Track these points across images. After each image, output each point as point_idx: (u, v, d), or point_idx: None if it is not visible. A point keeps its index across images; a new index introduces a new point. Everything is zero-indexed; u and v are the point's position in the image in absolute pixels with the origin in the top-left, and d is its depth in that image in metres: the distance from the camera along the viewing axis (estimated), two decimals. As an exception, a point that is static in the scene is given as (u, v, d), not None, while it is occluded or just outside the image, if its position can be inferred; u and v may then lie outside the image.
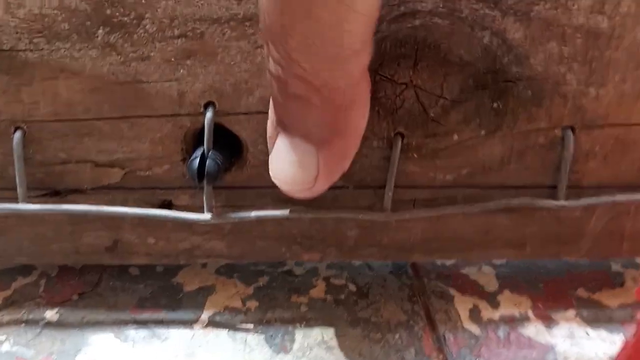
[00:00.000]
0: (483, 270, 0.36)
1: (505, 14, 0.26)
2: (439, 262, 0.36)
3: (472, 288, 0.34)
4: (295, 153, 0.22)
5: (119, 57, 0.27)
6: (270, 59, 0.21)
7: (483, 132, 0.29)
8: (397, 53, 0.27)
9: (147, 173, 0.30)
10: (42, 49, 0.26)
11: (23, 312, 0.32)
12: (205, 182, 0.28)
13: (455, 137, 0.29)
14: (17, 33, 0.26)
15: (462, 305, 0.33)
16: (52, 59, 0.27)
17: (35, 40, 0.26)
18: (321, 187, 0.23)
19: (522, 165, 0.30)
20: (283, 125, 0.22)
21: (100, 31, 0.26)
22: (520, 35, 0.27)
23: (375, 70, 0.27)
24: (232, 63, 0.27)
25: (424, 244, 0.32)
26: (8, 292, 0.33)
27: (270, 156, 0.24)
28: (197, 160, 0.27)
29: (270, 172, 0.24)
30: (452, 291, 0.34)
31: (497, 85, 0.28)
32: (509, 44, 0.27)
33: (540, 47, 0.27)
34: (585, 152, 0.30)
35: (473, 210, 0.30)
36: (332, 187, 0.30)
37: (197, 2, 0.26)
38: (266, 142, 0.28)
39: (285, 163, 0.23)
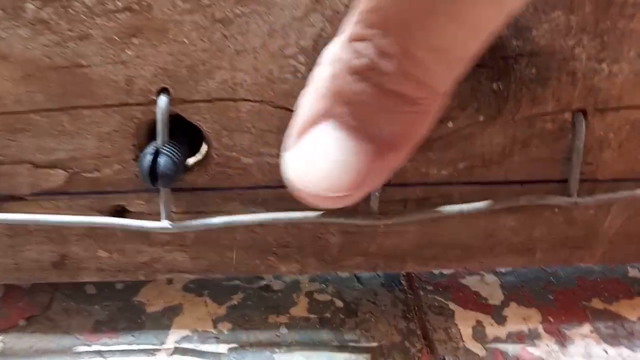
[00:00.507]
0: (486, 279, 0.32)
1: (504, -22, 0.23)
2: (436, 271, 0.31)
3: (474, 301, 0.30)
4: (342, 152, 0.18)
5: (54, 36, 0.23)
6: (368, 45, 0.17)
7: (481, 118, 0.25)
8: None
9: (95, 175, 0.26)
10: (-39, 30, 0.23)
11: (-42, 340, 0.28)
12: (159, 184, 0.24)
13: (450, 124, 0.25)
14: None
15: (464, 321, 0.29)
16: (-25, 42, 0.23)
17: (-47, 20, 0.22)
18: (356, 197, 0.19)
19: (527, 157, 0.26)
20: (341, 118, 0.18)
21: (29, 5, 0.22)
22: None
23: (355, 47, 0.23)
24: (186, 41, 0.23)
25: (417, 251, 0.28)
26: (-59, 317, 0.29)
27: (292, 151, 0.19)
28: (149, 157, 0.23)
29: (290, 171, 0.19)
30: (452, 305, 0.30)
31: (495, 63, 0.24)
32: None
33: (544, 17, 0.23)
34: (598, 140, 0.26)
35: (473, 210, 0.26)
36: (310, 187, 0.26)
37: (143, -31, 0.22)
38: (231, 135, 0.25)
39: (324, 162, 0.18)
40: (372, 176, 0.19)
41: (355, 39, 0.17)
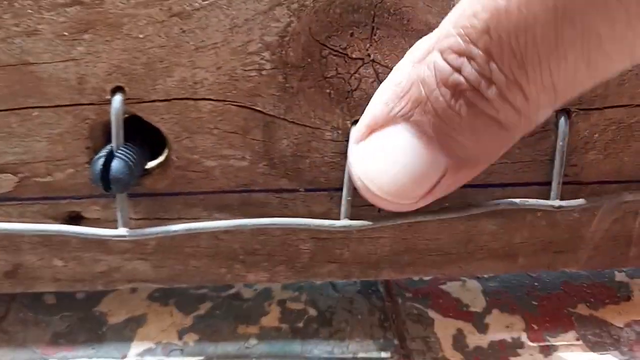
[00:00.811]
0: (467, 285, 0.30)
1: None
2: (416, 278, 0.30)
3: (454, 308, 0.29)
4: (415, 161, 0.18)
5: (-1, 32, 0.21)
6: (471, 65, 0.15)
7: (459, 118, 0.23)
8: (349, 20, 0.22)
9: (47, 179, 0.24)
10: None
11: None
12: (113, 189, 0.22)
13: (426, 124, 0.23)
14: None
15: (444, 330, 0.28)
16: None
17: None
18: (417, 206, 0.19)
19: (508, 159, 0.24)
20: (420, 125, 0.17)
21: (-31, -2, 0.20)
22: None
23: (323, 43, 0.22)
24: (142, 36, 0.21)
25: (393, 257, 0.26)
26: None
27: (361, 145, 0.18)
28: (102, 160, 0.22)
29: (356, 165, 0.19)
30: (432, 313, 0.29)
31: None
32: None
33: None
34: (583, 141, 0.25)
35: (451, 215, 0.25)
36: (278, 190, 0.25)
37: (92, -42, 0.20)
38: (192, 137, 0.23)
39: (393, 167, 0.18)
40: (440, 190, 0.18)
41: (457, 52, 0.16)
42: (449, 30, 0.16)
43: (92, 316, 0.28)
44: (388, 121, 0.18)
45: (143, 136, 0.24)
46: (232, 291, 0.30)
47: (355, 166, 0.19)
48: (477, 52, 0.15)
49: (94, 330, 0.28)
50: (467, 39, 0.15)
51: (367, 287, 0.30)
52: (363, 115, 0.19)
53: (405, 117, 0.17)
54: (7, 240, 0.25)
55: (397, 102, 0.17)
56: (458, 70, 0.16)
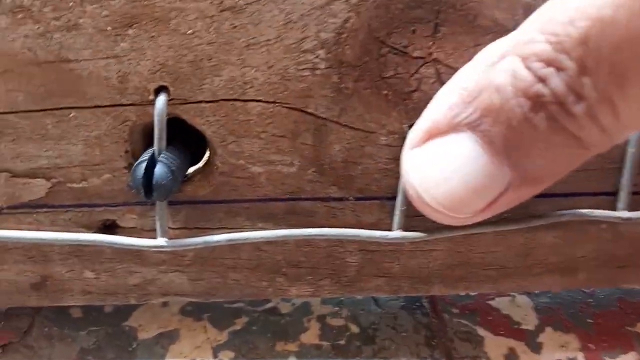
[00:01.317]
0: (517, 301, 0.29)
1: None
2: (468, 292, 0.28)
3: (505, 326, 0.27)
4: (478, 173, 0.16)
5: (37, 26, 0.20)
6: (559, 76, 0.14)
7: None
8: (411, 16, 0.20)
9: (82, 185, 0.22)
10: None
11: None
12: (155, 196, 0.20)
13: (488, 130, 0.22)
14: None
15: (495, 349, 0.26)
16: (-54, 31, 0.20)
17: None
18: (474, 220, 0.17)
19: (572, 167, 0.23)
20: (487, 135, 0.16)
21: (8, -10, 0.19)
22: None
23: (382, 40, 0.21)
24: (190, 32, 0.20)
25: (445, 272, 0.25)
26: None
27: (418, 151, 0.17)
28: (144, 165, 0.20)
29: (411, 172, 0.17)
30: (481, 331, 0.27)
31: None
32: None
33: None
34: (651, 148, 0.23)
35: (511, 227, 0.23)
36: (326, 199, 0.23)
37: (141, -52, 0.19)
38: (239, 140, 0.22)
39: (453, 178, 0.16)
40: (500, 205, 0.17)
41: (544, 61, 0.14)
42: (533, 36, 0.14)
43: (121, 331, 0.27)
44: (450, 128, 0.16)
45: (182, 139, 0.23)
46: (269, 305, 0.28)
47: (409, 174, 0.17)
48: (569, 63, 0.14)
49: (124, 347, 0.26)
50: (559, 47, 0.14)
51: (411, 303, 0.28)
52: (421, 119, 0.17)
53: (472, 125, 0.16)
54: (36, 250, 0.24)
55: (463, 108, 0.16)
56: (543, 80, 0.14)
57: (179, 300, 0.27)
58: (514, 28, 0.20)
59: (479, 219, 0.17)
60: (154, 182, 0.20)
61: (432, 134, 0.17)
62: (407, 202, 0.22)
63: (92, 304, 0.26)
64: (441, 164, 0.16)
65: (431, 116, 0.17)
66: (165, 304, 0.28)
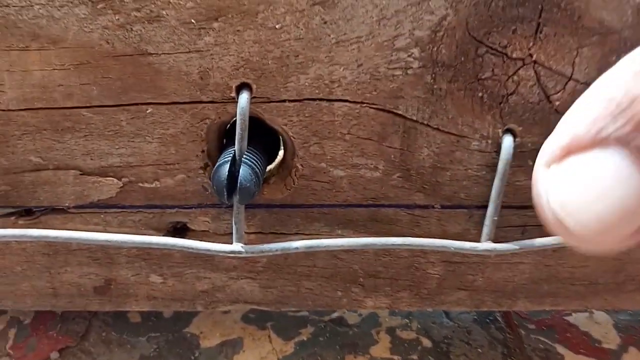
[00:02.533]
0: (596, 318, 0.27)
1: (669, -41, 0.18)
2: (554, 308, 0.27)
3: (585, 344, 0.26)
4: (633, 196, 0.15)
5: (117, 17, 0.19)
6: None
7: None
8: (512, 15, 0.19)
9: (154, 185, 0.21)
10: (7, 5, 0.18)
11: (-19, 376, 0.24)
12: (237, 199, 0.19)
13: (588, 137, 0.20)
14: (-27, -16, 0.18)
15: (578, 369, 0.25)
16: (22, 20, 0.19)
17: (-2, -5, 0.18)
18: (626, 245, 0.16)
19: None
20: None
21: (90, -22, 0.18)
22: (687, -8, 0.19)
23: (480, 40, 0.19)
24: (278, 27, 0.19)
25: (531, 286, 0.23)
26: (-38, 348, 0.25)
27: (557, 169, 0.16)
28: (227, 167, 0.19)
29: (549, 192, 0.16)
30: (561, 349, 0.25)
31: None
32: (671, 4, 0.19)
33: None
34: None
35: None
36: (410, 206, 0.22)
37: (231, -64, 0.18)
38: (322, 142, 0.20)
39: (602, 200, 0.15)
40: None
41: None
42: None
43: (182, 338, 0.26)
44: (595, 143, 0.15)
45: (257, 138, 0.22)
46: (335, 315, 0.27)
47: (549, 194, 0.16)
48: None
49: (186, 355, 0.25)
50: None
51: (484, 317, 0.27)
52: (556, 133, 0.16)
53: (622, 140, 0.14)
54: (102, 252, 0.23)
55: (612, 121, 0.14)
56: None
57: (241, 307, 0.26)
58: (620, 31, 0.19)
59: (626, 244, 0.16)
60: (239, 184, 0.19)
61: (572, 150, 0.15)
62: (499, 212, 0.21)
63: (157, 310, 0.24)
64: (585, 185, 0.15)
65: (570, 130, 0.15)
66: (226, 311, 0.27)
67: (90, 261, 0.23)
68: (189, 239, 0.22)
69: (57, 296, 0.24)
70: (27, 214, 0.22)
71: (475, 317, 0.27)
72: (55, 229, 0.21)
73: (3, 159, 0.21)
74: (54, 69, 0.19)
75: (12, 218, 0.22)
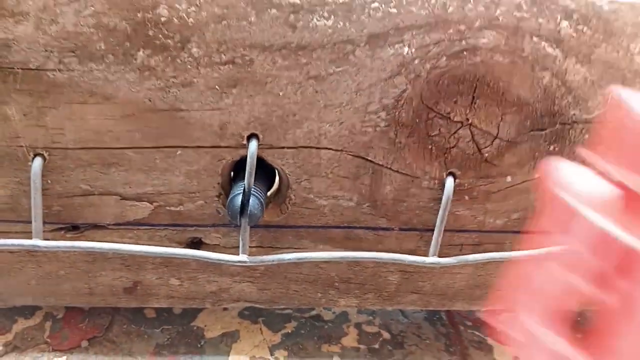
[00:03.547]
0: (519, 318, 0.34)
1: (567, 55, 0.25)
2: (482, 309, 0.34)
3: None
4: None
5: (159, 81, 0.25)
6: None
7: (537, 176, 0.27)
8: (454, 90, 0.26)
9: (179, 209, 0.27)
10: (72, 70, 0.24)
11: None
12: (244, 221, 0.25)
13: (509, 179, 0.27)
14: (46, 51, 0.24)
15: (503, 357, 0.31)
16: (83, 81, 0.24)
17: (66, 60, 0.24)
18: None
19: (574, 211, 0.28)
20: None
21: (140, 53, 0.24)
22: (580, 78, 0.26)
23: (431, 107, 0.26)
24: (281, 94, 0.25)
25: (467, 291, 0.30)
26: (9, 337, 0.30)
27: None
28: (240, 198, 0.25)
29: None
30: (490, 341, 0.32)
31: (554, 128, 0.27)
32: (569, 86, 0.26)
33: (599, 90, 0.26)
34: None
35: (522, 257, 0.28)
36: (376, 228, 0.28)
37: (249, 27, 0.24)
38: (310, 179, 0.27)
39: None
40: None
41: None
42: None
43: (190, 330, 0.31)
44: None
45: (258, 174, 0.28)
46: (313, 313, 0.33)
47: None
48: None
49: (194, 344, 0.31)
50: None
51: (432, 315, 0.34)
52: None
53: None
54: (132, 260, 0.28)
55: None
56: None
57: (243, 305, 0.32)
58: (533, 103, 0.26)
59: None
60: (249, 211, 0.25)
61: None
62: (442, 234, 0.28)
63: (173, 307, 0.30)
64: None
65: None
66: (225, 309, 0.33)
67: (122, 267, 0.29)
68: (203, 250, 0.28)
69: (92, 295, 0.29)
70: (74, 229, 0.28)
71: (425, 315, 0.34)
72: (96, 241, 0.27)
73: (58, 185, 0.26)
74: (106, 118, 0.25)
75: (62, 232, 0.27)
